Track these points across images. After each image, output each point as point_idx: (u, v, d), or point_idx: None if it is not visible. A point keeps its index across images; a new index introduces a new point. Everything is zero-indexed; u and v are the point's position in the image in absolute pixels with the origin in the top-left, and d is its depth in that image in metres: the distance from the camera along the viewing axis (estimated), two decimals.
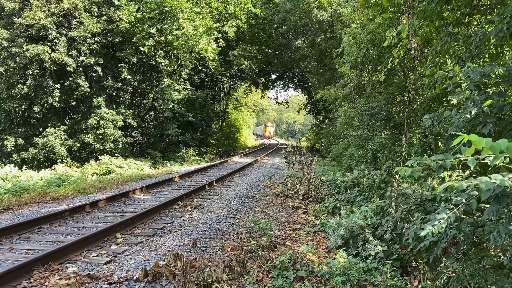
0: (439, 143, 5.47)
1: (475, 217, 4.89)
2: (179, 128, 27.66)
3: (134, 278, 4.94)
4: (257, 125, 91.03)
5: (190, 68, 27.09)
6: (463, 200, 3.20)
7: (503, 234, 3.50)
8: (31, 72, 21.65)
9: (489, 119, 3.83)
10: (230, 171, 17.47)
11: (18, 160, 22.28)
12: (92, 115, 23.11)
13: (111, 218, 8.42)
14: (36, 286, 4.78)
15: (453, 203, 3.86)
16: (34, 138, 22.55)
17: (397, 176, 7.46)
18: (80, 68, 22.71)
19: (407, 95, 10.70)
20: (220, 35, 26.72)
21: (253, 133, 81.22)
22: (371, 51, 12.54)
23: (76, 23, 22.15)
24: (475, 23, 7.47)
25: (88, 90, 22.90)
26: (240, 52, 34.53)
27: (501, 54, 5.86)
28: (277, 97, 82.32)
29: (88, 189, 12.88)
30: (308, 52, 31.79)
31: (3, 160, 22.82)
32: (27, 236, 6.96)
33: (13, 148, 22.35)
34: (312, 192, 12.10)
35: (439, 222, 2.92)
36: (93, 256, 5.92)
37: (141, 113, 27.96)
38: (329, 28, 26.95)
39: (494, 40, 4.95)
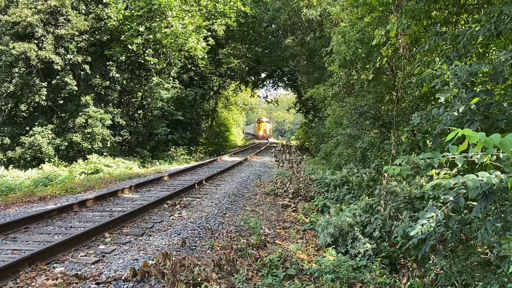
0: (427, 141, 5.51)
1: (462, 215, 4.94)
2: (168, 127, 27.51)
3: (123, 278, 4.90)
4: (247, 124, 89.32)
5: (179, 66, 26.92)
6: (451, 198, 3.23)
7: (490, 231, 3.54)
8: (17, 70, 21.30)
9: (477, 116, 3.86)
10: (220, 170, 17.43)
11: (5, 159, 21.94)
12: (80, 113, 22.85)
13: (99, 218, 8.34)
14: (22, 287, 4.71)
15: (441, 200, 3.90)
16: (21, 137, 22.19)
17: (386, 174, 7.50)
18: (68, 67, 22.44)
19: (395, 94, 10.77)
20: (209, 33, 26.62)
21: (243, 132, 79.89)
22: (360, 50, 12.59)
23: (63, 20, 21.88)
24: (462, 22, 7.56)
25: (76, 88, 22.63)
26: (229, 51, 34.40)
27: (487, 54, 5.93)
28: (266, 95, 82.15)
29: (76, 188, 12.75)
30: (297, 51, 31.84)
31: None
32: (14, 236, 6.86)
33: None
34: (302, 190, 12.12)
35: (428, 221, 2.95)
36: (81, 256, 5.85)
37: (129, 111, 27.74)
38: (318, 27, 26.99)
39: (481, 39, 5.00)
